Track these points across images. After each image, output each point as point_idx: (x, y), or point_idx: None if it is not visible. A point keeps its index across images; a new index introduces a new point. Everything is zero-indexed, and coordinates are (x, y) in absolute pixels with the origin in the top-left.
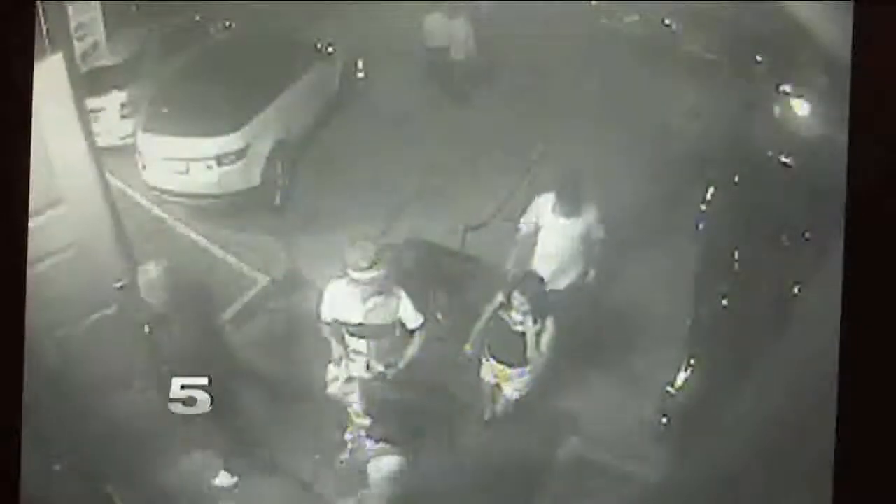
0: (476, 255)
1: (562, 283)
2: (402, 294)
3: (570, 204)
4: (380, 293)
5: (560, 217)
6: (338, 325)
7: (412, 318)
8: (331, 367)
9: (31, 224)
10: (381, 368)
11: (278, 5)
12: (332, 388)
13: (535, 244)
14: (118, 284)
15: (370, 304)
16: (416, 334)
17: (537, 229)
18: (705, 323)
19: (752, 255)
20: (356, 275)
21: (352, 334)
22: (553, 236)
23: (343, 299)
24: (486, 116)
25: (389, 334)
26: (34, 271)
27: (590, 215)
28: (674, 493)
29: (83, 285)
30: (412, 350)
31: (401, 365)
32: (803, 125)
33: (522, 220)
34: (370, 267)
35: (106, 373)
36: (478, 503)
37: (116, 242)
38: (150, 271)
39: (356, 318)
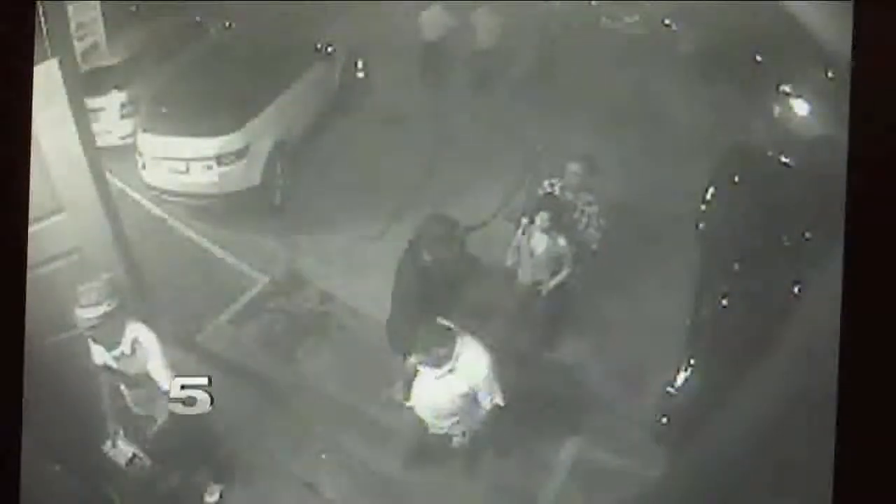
0: (476, 255)
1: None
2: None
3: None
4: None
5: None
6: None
7: (163, 377)
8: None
9: (31, 226)
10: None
11: (278, 5)
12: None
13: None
14: None
15: (115, 352)
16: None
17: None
18: (705, 323)
19: (752, 255)
20: (82, 312)
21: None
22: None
23: None
24: (487, 116)
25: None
26: (34, 275)
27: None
28: (674, 493)
29: None
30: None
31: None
32: (803, 125)
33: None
34: (98, 302)
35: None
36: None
37: (116, 244)
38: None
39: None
